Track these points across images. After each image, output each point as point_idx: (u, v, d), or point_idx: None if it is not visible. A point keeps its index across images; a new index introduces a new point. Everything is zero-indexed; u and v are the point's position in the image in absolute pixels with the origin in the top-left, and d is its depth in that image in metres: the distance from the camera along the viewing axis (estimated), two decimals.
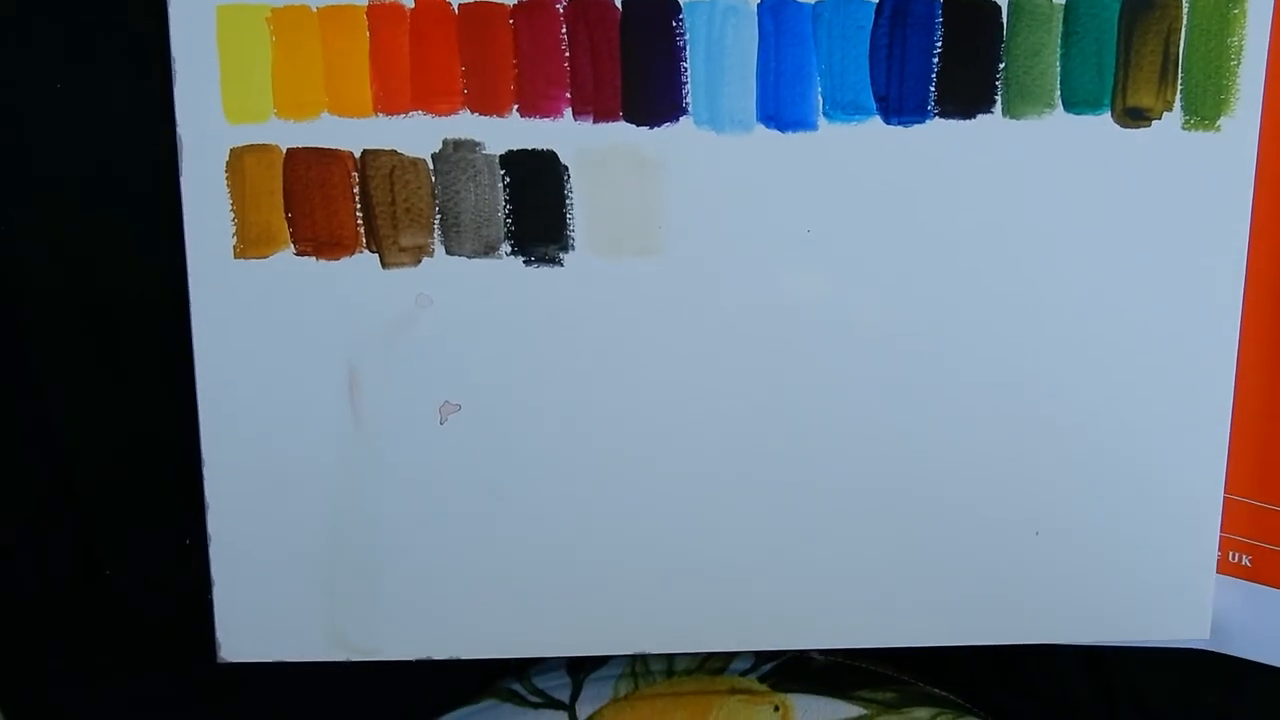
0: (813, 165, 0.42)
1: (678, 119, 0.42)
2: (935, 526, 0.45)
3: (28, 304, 0.44)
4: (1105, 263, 0.43)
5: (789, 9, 0.41)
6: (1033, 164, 0.42)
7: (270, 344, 0.43)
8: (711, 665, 0.47)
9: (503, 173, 0.42)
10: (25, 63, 0.43)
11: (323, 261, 0.43)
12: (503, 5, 0.41)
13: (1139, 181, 0.42)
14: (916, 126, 0.42)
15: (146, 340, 0.44)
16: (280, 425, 0.44)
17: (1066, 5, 0.41)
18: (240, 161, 0.42)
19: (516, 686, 0.48)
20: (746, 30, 0.41)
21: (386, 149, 0.42)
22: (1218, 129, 0.42)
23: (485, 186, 0.43)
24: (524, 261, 0.43)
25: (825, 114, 0.42)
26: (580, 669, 0.47)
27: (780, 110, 0.42)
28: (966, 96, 0.42)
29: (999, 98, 0.42)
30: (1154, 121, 0.42)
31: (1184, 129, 0.42)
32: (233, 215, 0.43)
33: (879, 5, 0.41)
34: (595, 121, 0.42)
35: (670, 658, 0.47)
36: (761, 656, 0.47)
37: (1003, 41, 0.42)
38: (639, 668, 0.47)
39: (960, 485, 0.44)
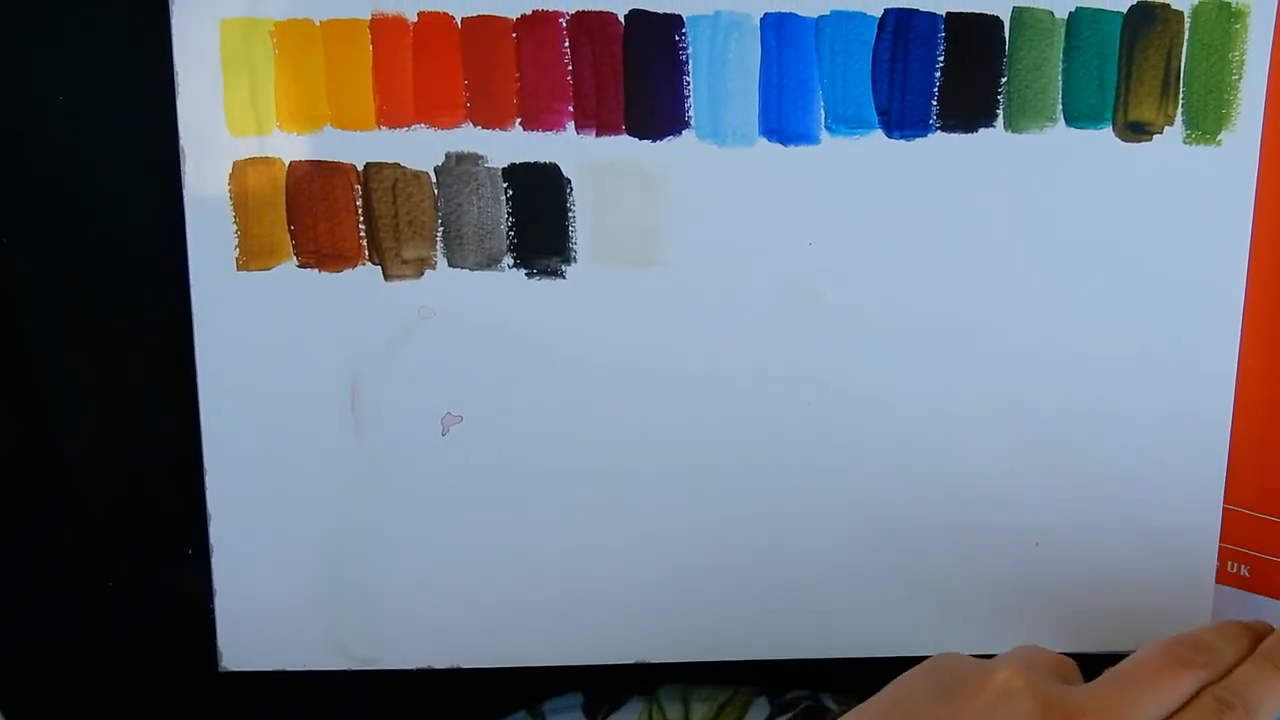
0: (815, 179, 0.42)
1: (680, 132, 0.42)
2: (937, 539, 0.45)
3: (30, 316, 0.44)
4: (1106, 276, 0.43)
5: (791, 23, 0.41)
6: (1034, 178, 0.42)
7: (272, 355, 0.43)
8: (728, 715, 0.47)
9: (505, 185, 0.42)
10: (28, 75, 0.43)
11: (325, 274, 0.43)
12: (505, 19, 0.41)
13: (1140, 195, 0.42)
14: (918, 140, 0.42)
15: (149, 351, 0.44)
16: (282, 436, 0.44)
17: (1068, 19, 0.41)
18: (243, 174, 0.42)
19: None
20: (749, 44, 0.42)
21: (389, 162, 0.42)
22: (1219, 143, 0.42)
23: (488, 199, 0.43)
24: (526, 274, 0.43)
25: (827, 127, 0.42)
26: (596, 712, 0.47)
27: (782, 124, 0.42)
28: (968, 110, 0.42)
29: (1001, 111, 0.42)
30: (1155, 135, 0.42)
31: (1185, 143, 0.42)
32: (235, 228, 0.43)
33: (881, 19, 0.41)
34: (598, 135, 0.42)
35: (686, 705, 0.47)
36: (778, 707, 0.47)
37: (1005, 55, 0.42)
38: (655, 714, 0.47)
39: (962, 498, 0.44)
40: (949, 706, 0.35)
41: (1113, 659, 0.47)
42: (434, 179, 0.42)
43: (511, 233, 0.43)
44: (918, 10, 0.41)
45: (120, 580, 0.47)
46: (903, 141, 0.42)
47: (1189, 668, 0.36)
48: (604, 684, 0.48)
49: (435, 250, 0.43)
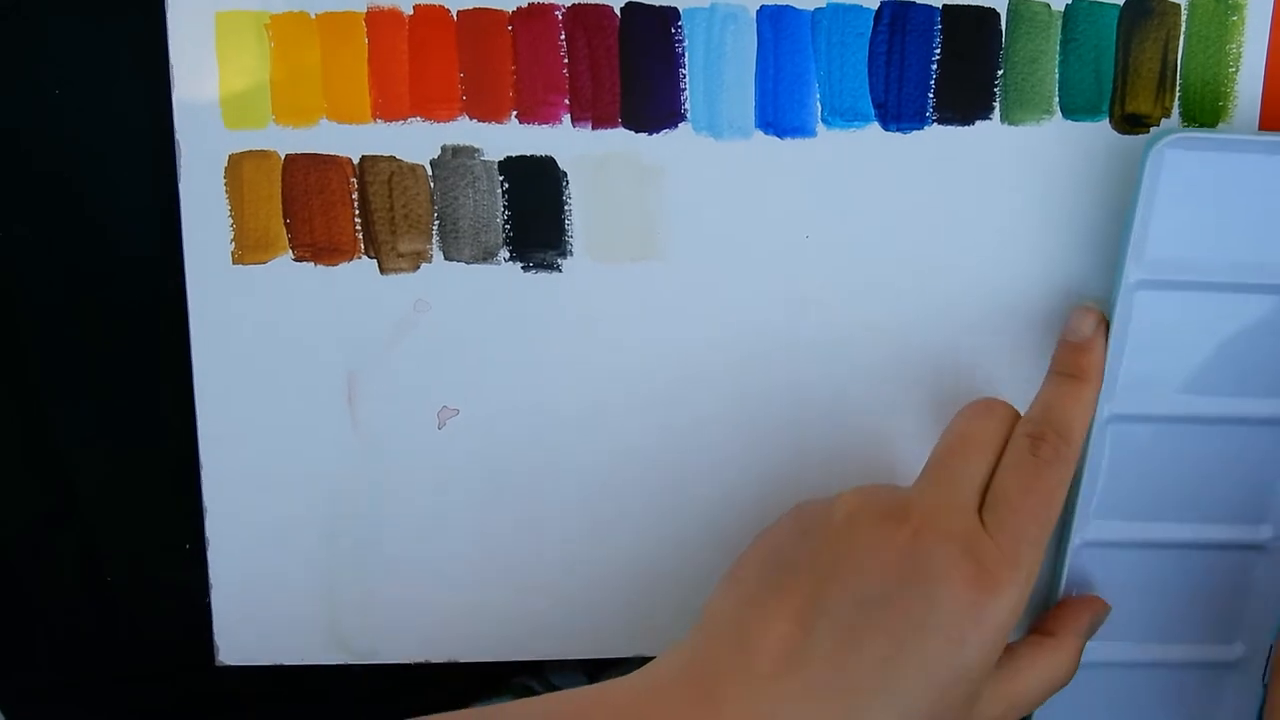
0: (811, 171, 0.42)
1: (676, 125, 0.42)
2: None
3: (26, 310, 0.44)
4: (1105, 270, 0.43)
5: (788, 16, 0.41)
6: (1031, 170, 0.42)
7: (268, 349, 0.43)
8: None
9: (501, 179, 0.42)
10: (24, 69, 0.42)
11: (321, 267, 0.43)
12: (501, 11, 0.41)
13: None
14: (915, 133, 0.42)
15: (145, 346, 0.44)
16: (278, 430, 0.44)
17: (1065, 12, 0.41)
18: (239, 167, 0.42)
19: (533, 684, 0.48)
20: (745, 37, 0.41)
21: (385, 155, 0.42)
22: None
23: (484, 192, 0.43)
24: (522, 267, 0.43)
25: (824, 120, 0.42)
26: (601, 671, 0.47)
27: (779, 117, 0.42)
28: (965, 103, 0.42)
29: (997, 104, 0.42)
30: (1152, 128, 0.42)
31: None
32: (231, 221, 0.43)
33: (878, 12, 0.41)
34: (594, 128, 0.42)
35: None
36: None
37: (1001, 48, 0.42)
38: None
39: None
40: (807, 541, 0.38)
41: None
42: (430, 172, 0.42)
43: (507, 226, 0.43)
44: (914, 3, 0.41)
45: (117, 576, 0.47)
46: (899, 134, 0.42)
47: (992, 415, 0.38)
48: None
49: (431, 243, 0.43)
